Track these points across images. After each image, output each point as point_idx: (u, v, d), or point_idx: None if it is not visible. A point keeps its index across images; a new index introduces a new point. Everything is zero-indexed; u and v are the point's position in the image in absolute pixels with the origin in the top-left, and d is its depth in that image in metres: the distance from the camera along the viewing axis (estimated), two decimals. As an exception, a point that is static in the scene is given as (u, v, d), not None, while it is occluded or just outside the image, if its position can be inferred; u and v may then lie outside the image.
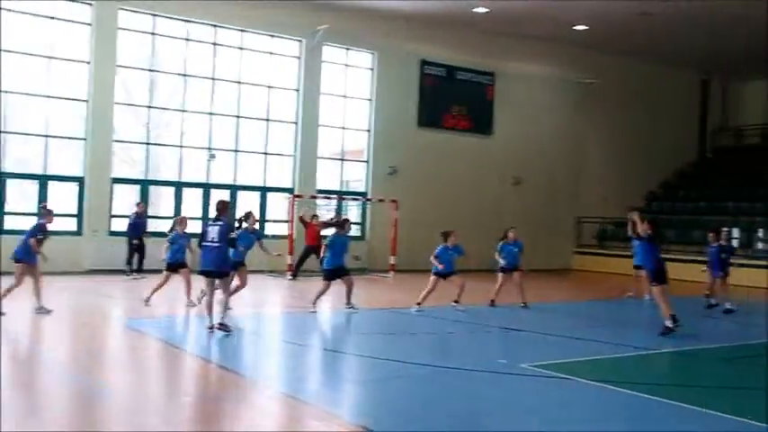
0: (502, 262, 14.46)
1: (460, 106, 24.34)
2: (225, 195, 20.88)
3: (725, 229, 18.25)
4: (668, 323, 11.46)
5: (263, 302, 15.60)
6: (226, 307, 10.80)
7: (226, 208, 10.86)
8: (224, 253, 10.56)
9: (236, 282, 12.58)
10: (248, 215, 13.27)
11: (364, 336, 11.53)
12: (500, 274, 14.50)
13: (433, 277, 13.65)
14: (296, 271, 19.18)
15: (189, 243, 13.40)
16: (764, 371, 9.77)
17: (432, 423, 6.74)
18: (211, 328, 10.36)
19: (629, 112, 27.88)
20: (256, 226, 14.24)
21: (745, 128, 30.50)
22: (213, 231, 10.50)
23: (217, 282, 10.58)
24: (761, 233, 23.26)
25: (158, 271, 18.02)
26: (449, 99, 24.13)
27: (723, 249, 15.58)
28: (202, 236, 10.74)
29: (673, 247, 24.65)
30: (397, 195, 21.68)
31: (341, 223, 14.18)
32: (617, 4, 21.12)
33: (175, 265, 13.16)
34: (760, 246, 22.94)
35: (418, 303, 13.52)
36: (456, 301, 13.67)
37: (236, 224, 12.62)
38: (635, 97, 27.92)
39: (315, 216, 19.77)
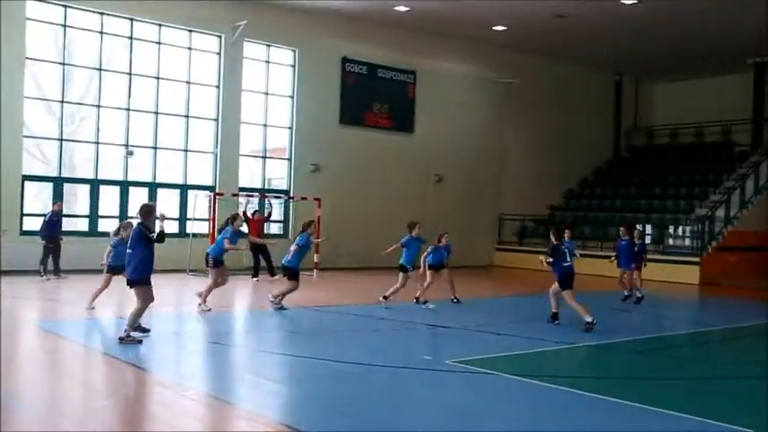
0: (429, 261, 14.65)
1: (382, 104, 24.43)
2: (143, 193, 20.50)
3: (638, 226, 19.05)
4: (588, 319, 11.75)
5: (185, 302, 15.28)
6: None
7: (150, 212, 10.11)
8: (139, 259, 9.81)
9: (213, 280, 12.96)
10: (235, 216, 13.60)
11: (290, 335, 11.44)
12: (429, 272, 14.62)
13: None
14: (255, 273, 18.70)
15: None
16: (676, 362, 10.17)
17: (358, 421, 6.73)
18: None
19: (548, 111, 28.55)
20: (243, 228, 14.70)
21: (655, 128, 31.66)
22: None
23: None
24: (671, 230, 24.18)
25: (77, 271, 17.55)
26: (370, 97, 24.18)
27: (634, 244, 16.25)
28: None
29: (589, 243, 25.46)
30: (319, 193, 21.60)
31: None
32: (534, 6, 21.59)
33: (117, 269, 12.72)
34: (671, 242, 23.84)
35: (416, 298, 14.23)
36: (417, 298, 14.13)
37: (225, 224, 13.45)
38: (553, 97, 28.60)
39: (256, 211, 19.55)
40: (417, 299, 14.40)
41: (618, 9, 21.54)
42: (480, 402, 7.50)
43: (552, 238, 12.42)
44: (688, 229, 23.73)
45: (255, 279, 18.43)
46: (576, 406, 7.37)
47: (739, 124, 28.31)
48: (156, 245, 9.83)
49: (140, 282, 9.77)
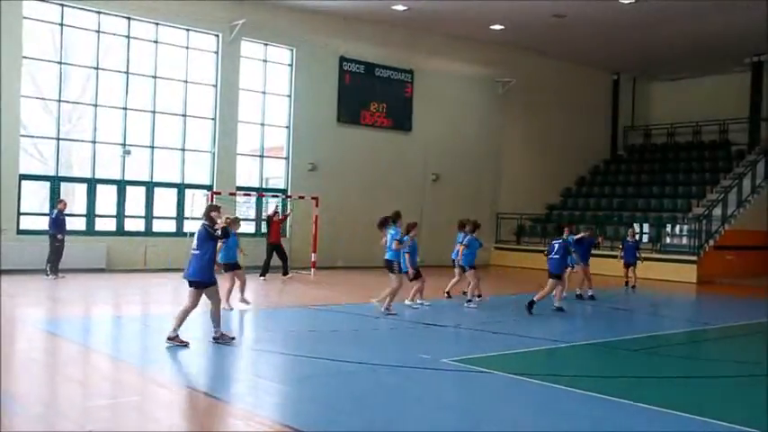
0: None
1: (379, 103, 24.43)
2: (141, 192, 20.49)
3: (635, 225, 19.49)
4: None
5: (183, 302, 15.28)
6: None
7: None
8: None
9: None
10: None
11: (289, 333, 11.43)
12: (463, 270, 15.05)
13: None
14: (264, 272, 18.63)
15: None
16: (673, 360, 10.19)
17: (357, 420, 6.73)
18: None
19: (546, 110, 28.56)
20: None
21: (653, 127, 31.69)
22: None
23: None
24: (669, 229, 24.22)
25: (74, 271, 17.55)
26: (368, 96, 24.19)
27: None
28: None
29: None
30: (317, 192, 21.59)
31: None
32: (531, 5, 21.60)
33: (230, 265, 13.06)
34: (668, 240, 23.87)
35: (447, 293, 15.34)
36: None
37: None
38: (551, 96, 28.61)
39: (276, 213, 19.48)
40: (448, 293, 15.33)
41: (615, 8, 21.55)
42: (478, 401, 7.51)
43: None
44: (685, 227, 23.78)
45: (263, 278, 18.40)
46: (573, 405, 7.37)
47: (736, 123, 28.35)
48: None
49: (209, 282, 9.61)
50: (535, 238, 26.80)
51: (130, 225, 20.34)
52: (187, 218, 20.84)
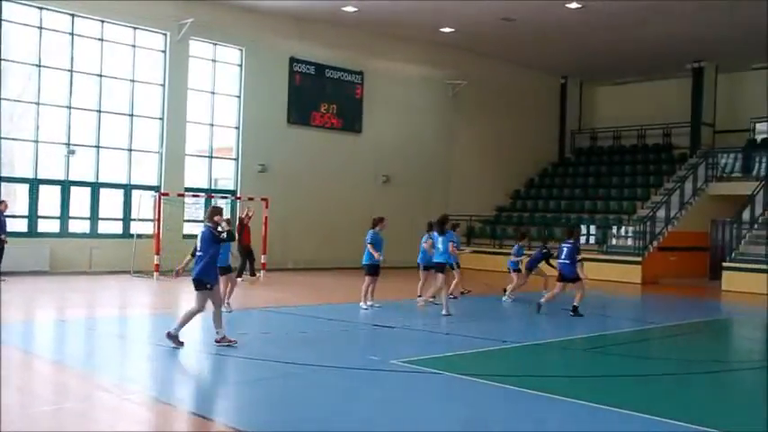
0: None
1: (330, 104, 24.37)
2: (86, 193, 20.08)
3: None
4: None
5: (129, 304, 15.02)
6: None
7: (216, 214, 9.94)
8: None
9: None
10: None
11: (238, 336, 11.30)
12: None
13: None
14: (240, 273, 18.45)
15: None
16: (620, 359, 10.37)
17: (305, 422, 6.68)
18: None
19: (496, 112, 28.86)
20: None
21: (599, 130, 32.27)
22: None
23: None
24: (614, 230, 24.67)
25: (15, 273, 17.06)
26: (318, 97, 24.11)
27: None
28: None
29: (535, 243, 25.78)
30: (267, 194, 21.42)
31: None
32: (481, 8, 21.79)
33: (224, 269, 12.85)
34: (614, 242, 24.32)
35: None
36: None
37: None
38: (501, 99, 28.92)
39: (248, 216, 19.01)
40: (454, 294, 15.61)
41: (563, 13, 21.89)
42: (425, 402, 7.52)
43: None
44: (630, 229, 24.26)
45: (240, 279, 18.22)
46: (521, 404, 7.44)
47: (679, 127, 29.04)
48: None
49: (210, 282, 9.59)
50: (485, 240, 27.03)
51: (75, 226, 19.89)
52: (134, 219, 20.47)
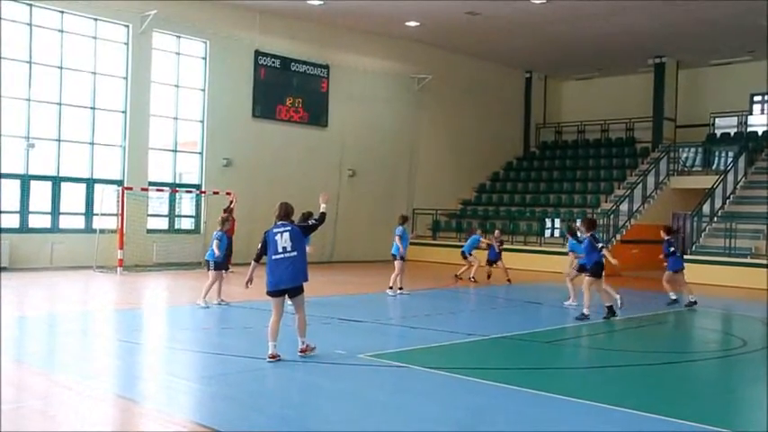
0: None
1: (295, 98, 24.27)
2: (47, 187, 19.75)
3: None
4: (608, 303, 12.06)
5: (90, 299, 14.83)
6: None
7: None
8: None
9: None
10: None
11: (202, 331, 11.24)
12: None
13: None
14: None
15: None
16: (583, 351, 10.51)
17: (270, 417, 6.67)
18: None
19: (461, 106, 28.99)
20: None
21: (564, 124, 32.57)
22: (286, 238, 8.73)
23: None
24: (578, 223, 24.85)
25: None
26: (283, 90, 24.00)
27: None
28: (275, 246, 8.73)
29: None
30: (232, 188, 21.30)
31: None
32: (446, 2, 21.84)
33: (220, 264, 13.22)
34: (578, 235, 24.50)
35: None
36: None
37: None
38: (466, 93, 29.05)
39: (231, 208, 19.60)
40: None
41: (527, 8, 22.03)
42: (390, 395, 7.55)
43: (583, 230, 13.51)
44: (594, 222, 24.50)
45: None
46: (487, 397, 7.50)
47: (641, 122, 29.43)
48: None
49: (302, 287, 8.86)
50: (450, 233, 27.16)
51: (35, 221, 19.57)
52: (96, 214, 20.20)
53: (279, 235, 8.75)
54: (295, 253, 8.71)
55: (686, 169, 26.32)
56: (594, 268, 13.18)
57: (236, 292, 15.41)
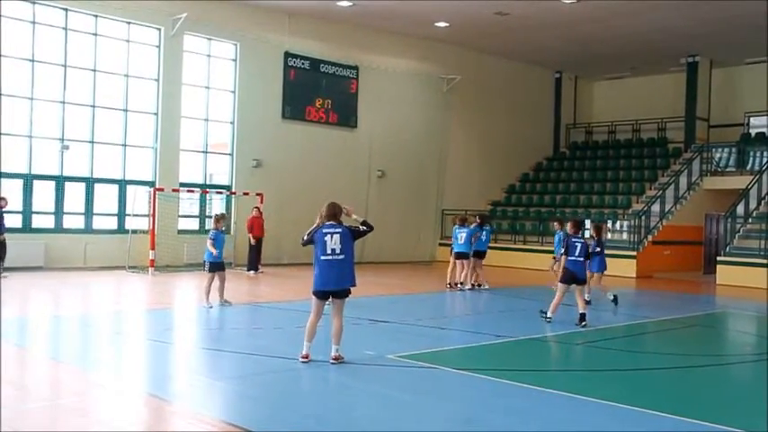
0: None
1: (324, 99, 24.33)
2: (81, 188, 20.03)
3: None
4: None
5: (123, 300, 15.00)
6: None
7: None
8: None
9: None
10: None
11: (233, 331, 11.32)
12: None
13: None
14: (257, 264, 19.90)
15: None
16: (614, 353, 10.41)
17: (300, 417, 6.69)
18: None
19: (490, 107, 28.86)
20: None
21: (594, 124, 32.30)
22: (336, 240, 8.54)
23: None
24: (609, 224, 24.69)
25: (11, 269, 17.04)
26: (313, 92, 24.07)
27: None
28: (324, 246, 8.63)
29: (530, 238, 25.88)
30: (261, 189, 21.43)
31: None
32: (475, 4, 21.78)
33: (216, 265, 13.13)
34: (609, 236, 24.33)
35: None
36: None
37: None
38: (495, 93, 28.92)
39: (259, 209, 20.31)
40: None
41: (557, 7, 21.88)
42: (419, 396, 7.53)
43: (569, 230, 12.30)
44: (625, 223, 24.30)
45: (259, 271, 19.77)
46: (518, 399, 7.46)
47: (673, 122, 29.08)
48: None
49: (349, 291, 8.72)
50: (480, 235, 27.02)
51: (69, 222, 19.86)
52: (128, 215, 20.44)
53: (329, 236, 8.56)
54: (343, 256, 8.55)
55: (719, 170, 25.95)
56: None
57: (265, 293, 15.50)
